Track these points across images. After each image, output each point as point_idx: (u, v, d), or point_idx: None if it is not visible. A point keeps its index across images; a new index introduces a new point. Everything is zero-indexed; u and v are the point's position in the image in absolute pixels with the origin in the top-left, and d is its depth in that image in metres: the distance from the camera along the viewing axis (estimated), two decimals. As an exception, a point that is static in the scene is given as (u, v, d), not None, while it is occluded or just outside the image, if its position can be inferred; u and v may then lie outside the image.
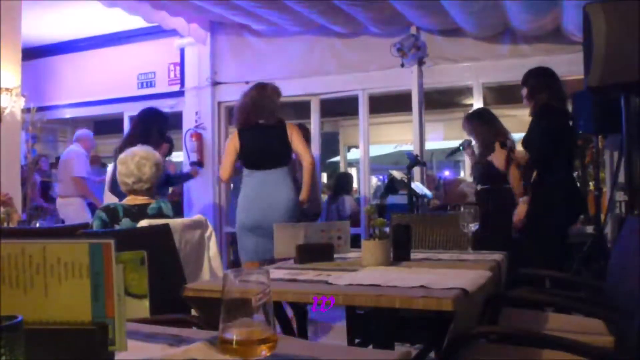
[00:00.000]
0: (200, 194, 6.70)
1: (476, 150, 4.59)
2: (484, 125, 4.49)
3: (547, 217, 3.74)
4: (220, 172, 4.37)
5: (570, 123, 4.07)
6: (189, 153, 6.68)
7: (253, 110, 4.14)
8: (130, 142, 3.98)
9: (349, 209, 6.96)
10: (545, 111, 3.83)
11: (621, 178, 4.43)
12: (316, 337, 3.99)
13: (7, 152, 5.00)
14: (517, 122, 6.54)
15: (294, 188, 4.15)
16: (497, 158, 4.06)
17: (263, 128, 4.12)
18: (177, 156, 7.44)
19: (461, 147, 4.76)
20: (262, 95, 4.16)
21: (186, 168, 6.67)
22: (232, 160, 4.19)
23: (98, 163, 7.15)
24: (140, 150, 3.05)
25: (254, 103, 4.14)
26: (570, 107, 4.65)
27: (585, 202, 4.29)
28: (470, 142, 4.69)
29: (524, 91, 3.99)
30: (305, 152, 4.16)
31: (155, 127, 4.56)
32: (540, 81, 3.92)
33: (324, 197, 8.39)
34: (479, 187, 4.50)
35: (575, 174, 5.96)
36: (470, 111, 5.11)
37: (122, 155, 3.06)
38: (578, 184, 4.43)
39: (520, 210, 3.99)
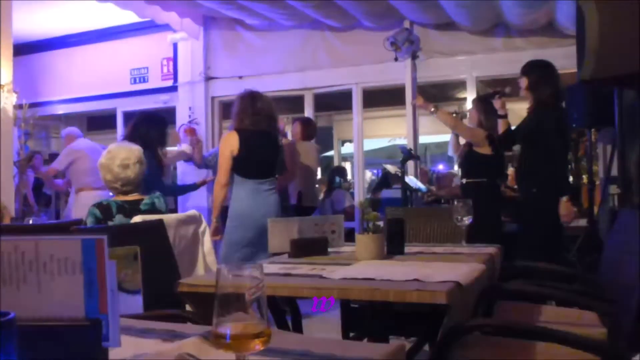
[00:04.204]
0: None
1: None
2: (489, 113, 4.36)
3: (547, 209, 3.71)
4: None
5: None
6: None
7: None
8: None
9: (344, 202, 6.96)
10: (550, 109, 3.76)
11: (614, 171, 4.45)
12: (310, 331, 3.99)
13: (-1, 148, 4.98)
14: (511, 115, 6.56)
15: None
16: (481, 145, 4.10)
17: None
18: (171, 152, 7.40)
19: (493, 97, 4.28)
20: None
21: (185, 164, 6.66)
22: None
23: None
24: (119, 151, 2.99)
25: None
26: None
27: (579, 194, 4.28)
28: (503, 93, 4.21)
29: (523, 81, 3.85)
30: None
31: (152, 131, 4.46)
32: (544, 75, 3.80)
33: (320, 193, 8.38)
34: (464, 181, 4.45)
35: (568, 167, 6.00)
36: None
37: (102, 160, 2.98)
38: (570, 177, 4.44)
39: (567, 208, 3.67)
